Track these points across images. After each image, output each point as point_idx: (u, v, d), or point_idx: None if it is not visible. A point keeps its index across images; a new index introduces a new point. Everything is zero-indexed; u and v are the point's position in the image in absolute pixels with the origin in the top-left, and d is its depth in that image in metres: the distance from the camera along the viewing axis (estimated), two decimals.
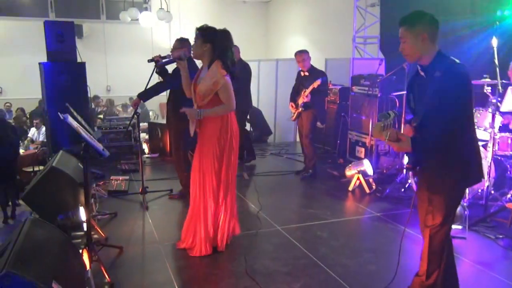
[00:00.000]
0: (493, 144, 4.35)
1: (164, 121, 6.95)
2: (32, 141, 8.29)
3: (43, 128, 8.00)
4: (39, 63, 6.30)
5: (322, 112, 5.89)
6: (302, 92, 5.66)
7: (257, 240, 3.88)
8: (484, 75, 4.56)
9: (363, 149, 6.48)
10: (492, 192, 4.49)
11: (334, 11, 9.64)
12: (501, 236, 3.88)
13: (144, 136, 8.25)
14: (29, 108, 10.59)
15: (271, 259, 3.51)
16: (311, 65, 5.74)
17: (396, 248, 3.76)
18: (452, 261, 2.75)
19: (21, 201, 4.94)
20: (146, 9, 12.32)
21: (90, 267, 3.05)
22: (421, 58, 2.46)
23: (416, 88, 2.59)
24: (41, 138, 8.20)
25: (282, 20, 12.62)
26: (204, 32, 3.42)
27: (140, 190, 4.89)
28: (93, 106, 9.31)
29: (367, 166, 5.38)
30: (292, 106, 5.85)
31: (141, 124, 7.23)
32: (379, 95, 6.17)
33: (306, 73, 5.72)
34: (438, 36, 2.46)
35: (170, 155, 6.54)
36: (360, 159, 6.07)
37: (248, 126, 8.09)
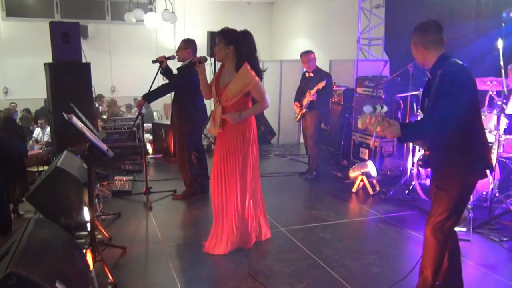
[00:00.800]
0: (498, 146, 4.33)
1: (168, 122, 6.98)
2: (36, 141, 8.32)
3: (48, 128, 8.03)
4: (44, 64, 6.33)
5: (326, 114, 5.89)
6: (307, 93, 5.65)
7: (260, 241, 3.87)
8: (490, 78, 4.53)
9: (367, 151, 6.47)
10: (497, 194, 4.46)
11: (338, 12, 9.62)
12: (505, 239, 3.86)
13: (148, 136, 8.27)
14: (34, 108, 10.64)
15: (274, 260, 3.51)
16: (316, 66, 5.75)
17: (399, 250, 3.76)
18: (458, 263, 2.74)
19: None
20: (151, 10, 12.34)
21: (94, 267, 3.05)
22: (425, 63, 2.60)
23: (428, 91, 2.67)
24: (46, 138, 8.23)
25: (286, 21, 12.61)
26: (226, 35, 3.45)
27: (144, 190, 4.91)
28: (97, 105, 9.32)
29: (371, 167, 5.37)
30: (297, 106, 5.85)
31: (145, 125, 7.25)
32: (383, 96, 6.16)
33: (311, 74, 5.72)
34: (440, 41, 2.57)
35: (174, 156, 6.57)
36: (364, 160, 6.05)
37: None
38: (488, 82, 4.49)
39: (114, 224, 4.33)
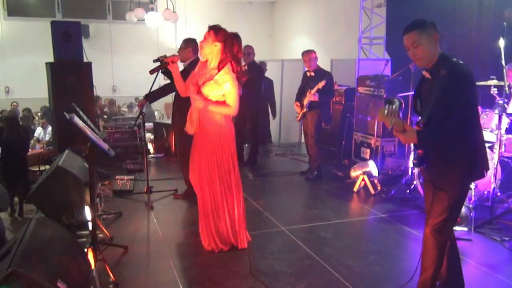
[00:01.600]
0: (500, 146, 4.32)
1: (169, 121, 6.98)
2: (38, 140, 8.33)
3: (49, 128, 8.04)
4: (46, 63, 6.34)
5: (327, 113, 5.88)
6: (308, 93, 5.65)
7: (261, 240, 3.88)
8: (491, 77, 4.53)
9: (368, 150, 6.46)
10: (498, 194, 4.46)
11: (340, 11, 9.62)
12: (507, 238, 3.86)
13: (149, 136, 8.28)
14: (35, 107, 10.65)
15: (275, 259, 3.51)
16: (318, 66, 5.74)
17: (401, 249, 3.76)
18: (458, 263, 2.74)
19: None
20: (152, 9, 12.35)
21: (95, 266, 3.06)
22: (428, 61, 2.51)
23: (422, 91, 2.62)
24: (47, 137, 8.24)
25: (287, 21, 12.60)
26: (216, 31, 3.43)
27: (145, 189, 4.91)
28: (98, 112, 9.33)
29: (372, 167, 5.36)
30: (298, 106, 5.84)
31: (146, 124, 7.25)
32: (385, 96, 6.16)
33: (312, 74, 5.72)
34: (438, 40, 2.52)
35: (175, 155, 6.58)
36: (365, 160, 6.05)
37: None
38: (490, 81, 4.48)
39: (116, 223, 4.33)
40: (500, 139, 4.32)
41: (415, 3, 6.40)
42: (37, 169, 5.93)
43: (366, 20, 7.92)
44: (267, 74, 7.69)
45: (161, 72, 4.91)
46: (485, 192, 4.53)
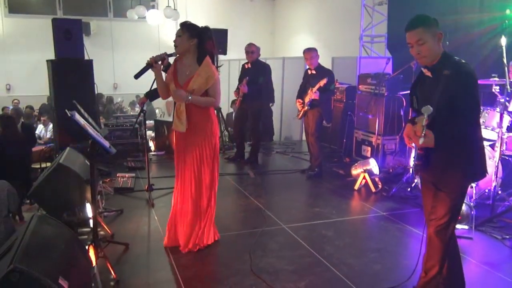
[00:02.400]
0: (501, 144, 4.32)
1: (170, 119, 6.98)
2: (39, 137, 8.34)
3: (51, 125, 8.05)
4: (47, 61, 6.34)
5: (328, 111, 5.88)
6: (309, 91, 5.65)
7: (262, 238, 3.88)
8: (493, 75, 4.52)
9: (369, 148, 6.46)
10: (499, 192, 4.46)
11: (341, 9, 9.61)
12: (507, 237, 3.86)
13: (150, 133, 8.28)
14: (36, 105, 10.66)
15: (276, 257, 3.52)
16: (319, 64, 5.74)
17: (402, 247, 3.76)
18: (459, 261, 2.74)
19: None
20: (153, 7, 12.35)
21: (96, 263, 3.07)
22: (431, 58, 2.46)
23: (420, 89, 2.61)
24: (49, 135, 8.25)
25: (288, 18, 12.60)
26: (190, 27, 3.44)
27: (146, 187, 4.92)
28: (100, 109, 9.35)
29: (373, 165, 5.36)
30: (299, 103, 5.84)
31: (147, 122, 7.26)
32: (386, 94, 6.15)
33: (313, 72, 5.71)
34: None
35: None
36: (366, 158, 6.05)
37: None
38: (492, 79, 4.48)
39: (117, 220, 4.34)
40: (501, 137, 4.31)
41: (417, 1, 6.39)
42: (38, 166, 5.95)
43: (368, 18, 7.92)
44: None
45: (162, 69, 4.92)
46: (486, 190, 4.52)
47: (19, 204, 4.84)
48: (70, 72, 6.00)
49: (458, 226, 3.82)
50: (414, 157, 2.56)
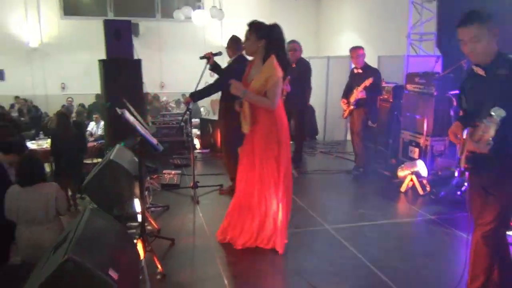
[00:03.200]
0: None
1: (215, 118, 7.08)
2: (91, 134, 8.70)
3: (102, 122, 8.37)
4: (99, 60, 6.59)
5: (373, 111, 5.76)
6: (355, 90, 5.56)
7: (305, 238, 3.86)
8: None
9: (417, 150, 6.26)
10: None
11: (388, 6, 9.37)
12: None
13: (195, 132, 8.43)
14: (88, 103, 11.12)
15: (319, 258, 3.49)
16: (365, 63, 5.63)
17: (450, 253, 3.63)
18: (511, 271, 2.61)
19: None
20: (199, 7, 12.56)
21: (144, 257, 3.16)
22: (485, 57, 2.33)
23: (470, 88, 2.48)
24: (100, 132, 8.58)
25: (334, 17, 12.44)
26: (258, 28, 3.40)
27: (191, 184, 5.01)
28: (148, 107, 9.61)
29: (421, 167, 5.20)
30: (344, 103, 5.76)
31: (193, 120, 7.39)
32: (435, 93, 5.94)
33: (360, 70, 5.62)
34: None
35: (221, 151, 6.66)
36: (413, 159, 5.87)
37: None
38: None
39: (163, 216, 4.45)
40: None
41: None
42: (90, 161, 6.20)
43: (416, 15, 7.68)
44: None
45: (208, 69, 5.01)
46: None
47: (69, 202, 5.08)
48: (120, 71, 6.20)
49: (509, 232, 3.64)
50: (460, 159, 2.41)
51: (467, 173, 2.51)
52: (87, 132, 8.71)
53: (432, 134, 5.99)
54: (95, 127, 8.95)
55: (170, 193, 5.19)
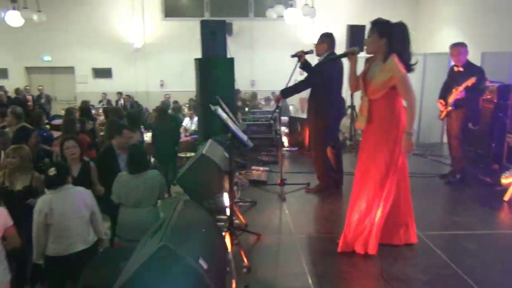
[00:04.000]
0: None
1: (304, 116, 7.07)
2: (185, 129, 9.17)
3: (196, 118, 8.78)
4: (195, 59, 6.90)
5: (475, 112, 5.32)
6: (454, 90, 5.20)
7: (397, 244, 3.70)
8: None
9: None
10: None
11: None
12: None
13: (284, 129, 8.49)
14: (184, 100, 11.71)
15: (409, 265, 3.33)
16: (467, 60, 5.23)
17: None
18: None
19: None
20: (291, 5, 12.60)
21: (232, 249, 3.26)
22: None
23: None
24: (193, 127, 9.01)
25: (432, 12, 11.75)
26: (381, 26, 3.29)
27: (279, 181, 5.06)
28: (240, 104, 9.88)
29: None
30: (441, 104, 5.42)
31: (281, 118, 7.45)
32: None
33: (461, 69, 5.23)
34: None
35: (309, 150, 6.64)
36: None
37: None
38: None
39: (250, 211, 4.55)
40: None
41: None
42: (184, 155, 6.54)
43: None
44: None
45: (299, 67, 5.01)
46: None
47: (168, 186, 5.44)
48: (214, 69, 6.44)
49: None
50: None
51: None
52: (182, 127, 9.20)
53: None
54: (189, 123, 9.42)
55: (257, 189, 5.29)
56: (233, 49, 7.33)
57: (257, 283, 3.09)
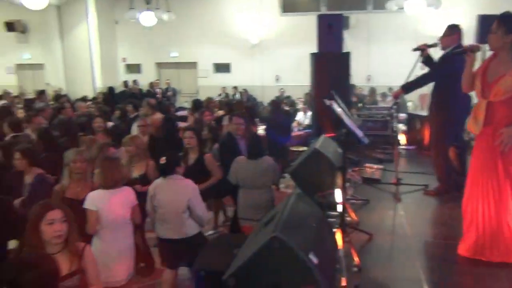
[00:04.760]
0: None
1: (423, 113, 6.65)
2: (299, 123, 9.26)
3: (309, 113, 8.79)
4: (310, 54, 6.89)
5: None
6: None
7: None
8: None
9: None
10: None
11: None
12: None
13: (401, 127, 8.09)
14: (299, 94, 11.78)
15: None
16: None
17: None
18: None
19: None
20: None
21: (342, 247, 3.21)
22: None
23: None
24: (307, 121, 9.05)
25: None
26: (508, 21, 2.99)
27: (394, 181, 4.83)
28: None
29: None
30: None
31: (399, 115, 7.11)
32: None
33: None
34: None
35: (428, 149, 6.23)
36: None
37: None
38: None
39: (362, 209, 4.43)
40: None
41: None
42: (296, 149, 6.60)
43: None
44: None
45: (422, 61, 4.72)
46: None
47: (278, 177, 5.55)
48: (329, 64, 6.36)
49: None
50: None
51: None
52: (296, 121, 9.29)
53: None
54: (303, 117, 9.48)
55: (370, 187, 5.12)
56: (349, 43, 7.14)
57: (368, 284, 3.01)
